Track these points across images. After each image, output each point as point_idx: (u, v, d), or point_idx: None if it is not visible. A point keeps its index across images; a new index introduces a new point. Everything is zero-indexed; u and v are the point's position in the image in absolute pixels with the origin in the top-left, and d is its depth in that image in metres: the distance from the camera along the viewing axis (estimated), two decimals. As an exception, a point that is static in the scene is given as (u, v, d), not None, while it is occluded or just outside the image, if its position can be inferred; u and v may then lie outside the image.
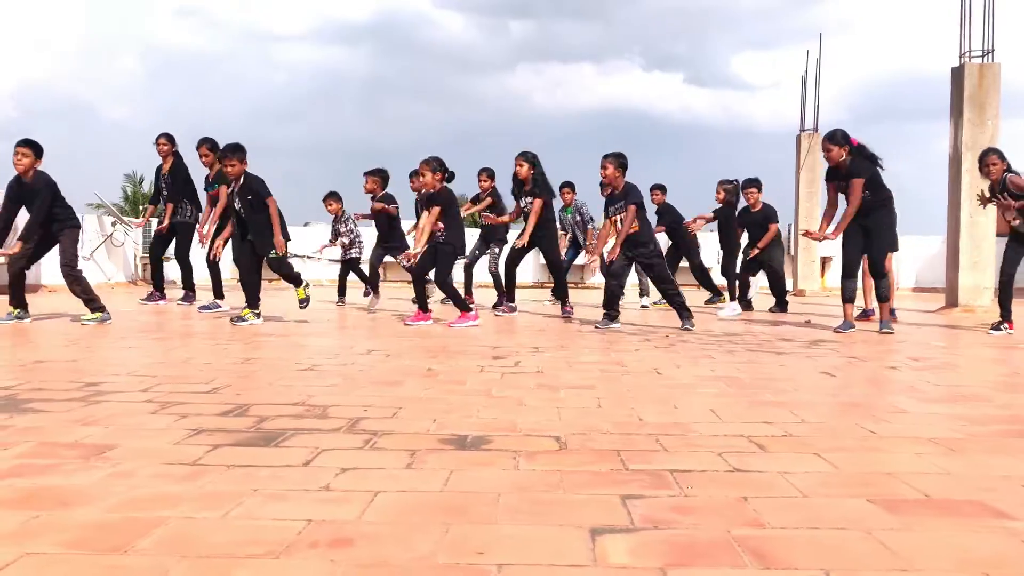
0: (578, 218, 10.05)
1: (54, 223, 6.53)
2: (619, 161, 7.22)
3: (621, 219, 6.79)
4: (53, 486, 1.99)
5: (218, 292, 8.45)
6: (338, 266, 9.85)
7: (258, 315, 6.82)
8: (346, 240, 9.45)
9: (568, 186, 9.96)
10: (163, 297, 9.38)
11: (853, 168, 6.63)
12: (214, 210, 8.37)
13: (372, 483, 2.05)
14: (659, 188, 10.03)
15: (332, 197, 9.61)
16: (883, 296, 6.90)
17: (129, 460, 2.23)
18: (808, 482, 2.10)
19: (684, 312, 6.82)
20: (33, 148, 6.47)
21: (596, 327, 6.83)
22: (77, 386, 3.43)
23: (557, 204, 8.91)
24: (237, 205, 6.73)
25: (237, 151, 6.70)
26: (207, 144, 8.53)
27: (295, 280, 6.85)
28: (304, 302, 6.86)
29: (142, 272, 16.21)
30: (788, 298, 9.65)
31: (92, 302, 6.59)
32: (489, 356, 4.67)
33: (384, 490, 1.98)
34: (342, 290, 9.67)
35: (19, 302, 6.62)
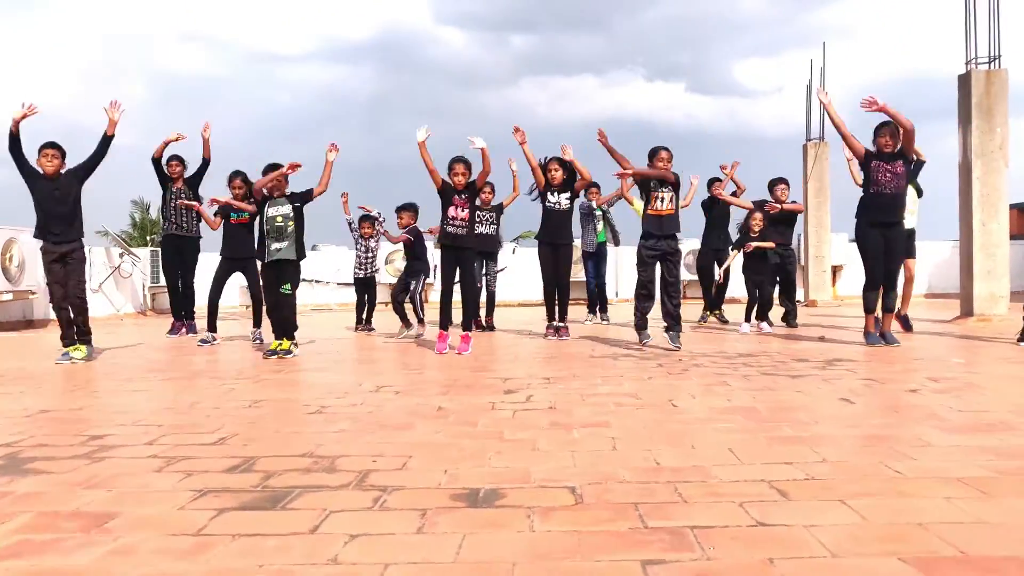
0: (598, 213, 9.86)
1: (69, 241, 6.54)
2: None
3: (665, 198, 6.87)
4: (51, 569, 1.92)
5: (212, 325, 8.39)
6: (349, 290, 9.88)
7: (296, 344, 6.74)
8: (361, 258, 9.50)
9: (596, 187, 9.78)
10: (184, 326, 9.26)
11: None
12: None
13: (382, 552, 1.97)
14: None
15: (366, 221, 9.56)
16: (892, 306, 6.80)
17: (131, 532, 2.16)
18: (836, 537, 2.01)
19: (676, 325, 6.81)
20: (61, 151, 6.59)
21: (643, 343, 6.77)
22: (81, 440, 3.37)
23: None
24: (275, 213, 6.56)
25: (278, 168, 6.67)
26: (240, 177, 8.46)
27: (289, 327, 6.70)
28: (275, 354, 6.53)
29: (151, 302, 16.23)
30: (799, 309, 9.54)
31: (86, 336, 6.66)
32: (501, 390, 4.59)
33: (395, 561, 1.91)
34: (366, 315, 9.66)
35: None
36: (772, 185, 9.09)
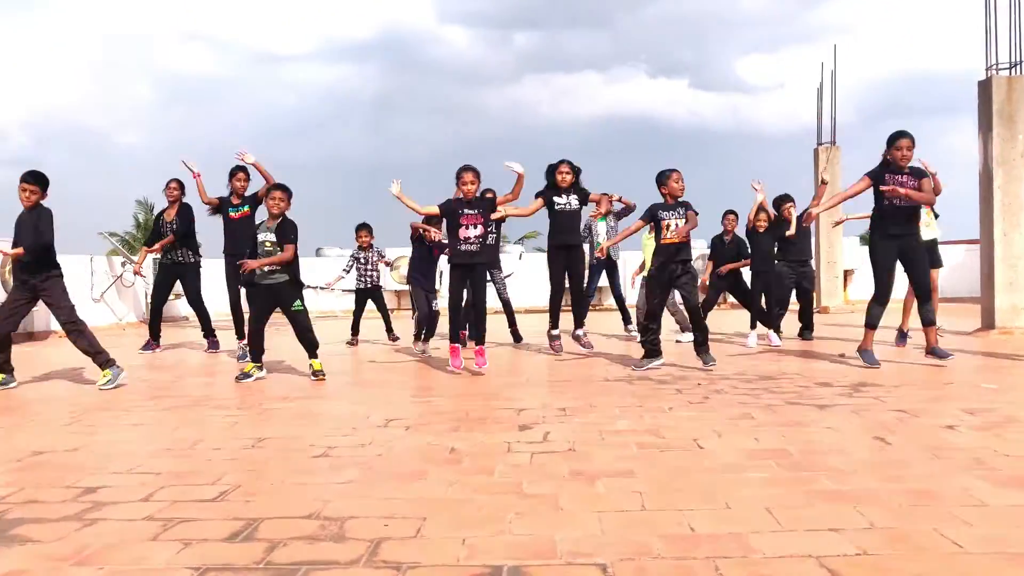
0: (612, 223, 9.63)
1: (39, 272, 6.19)
2: None
3: (672, 224, 6.60)
4: None
5: (240, 332, 8.25)
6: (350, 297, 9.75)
7: (261, 368, 6.58)
8: (361, 269, 9.33)
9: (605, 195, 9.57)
10: (158, 345, 9.22)
11: (921, 171, 6.46)
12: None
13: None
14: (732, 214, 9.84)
15: (364, 229, 9.43)
16: (932, 319, 6.58)
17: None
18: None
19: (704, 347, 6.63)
20: (40, 183, 6.19)
21: (633, 368, 6.55)
22: (75, 493, 3.17)
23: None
24: (263, 239, 6.45)
25: (287, 190, 6.56)
26: (244, 171, 8.48)
27: (312, 344, 6.57)
28: (247, 377, 6.41)
29: (146, 311, 16.04)
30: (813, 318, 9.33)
31: (99, 355, 6.29)
32: (515, 425, 4.38)
33: None
34: (385, 325, 9.56)
35: (2, 366, 6.33)
36: (779, 203, 8.80)
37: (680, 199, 6.68)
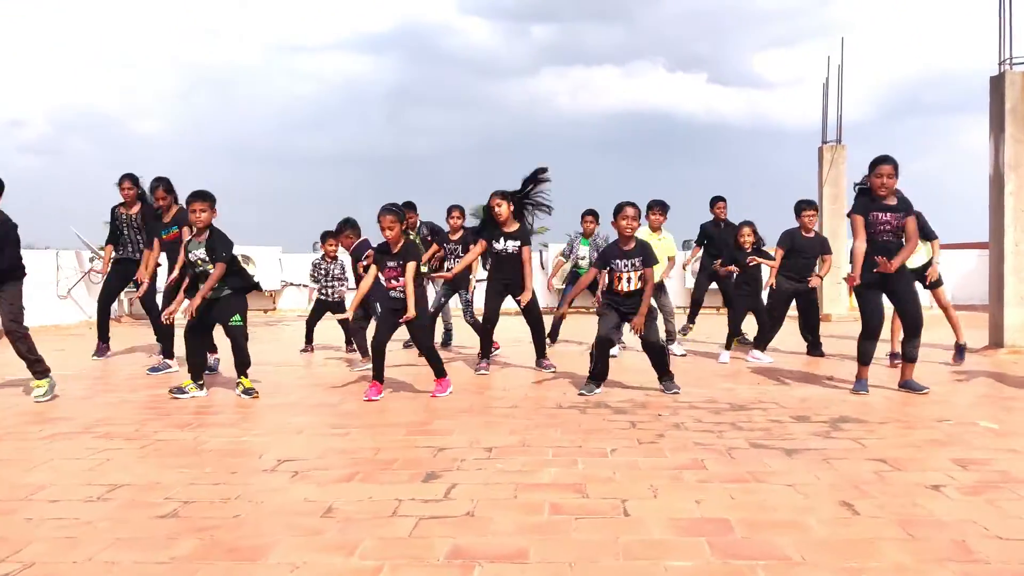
0: (595, 253, 9.01)
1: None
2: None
3: (631, 277, 5.89)
4: None
5: (168, 351, 7.61)
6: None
7: (201, 386, 5.98)
8: (323, 281, 8.57)
9: (592, 214, 8.91)
10: (108, 348, 8.67)
11: (908, 203, 5.76)
12: (178, 261, 7.62)
13: None
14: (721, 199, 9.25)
15: (331, 237, 8.56)
16: (913, 356, 5.90)
17: None
18: None
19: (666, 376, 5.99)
20: None
21: (581, 392, 5.91)
22: None
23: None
24: (195, 257, 5.87)
25: (208, 198, 5.93)
26: (163, 186, 7.78)
27: (243, 363, 5.97)
28: (182, 392, 5.90)
29: (129, 307, 15.50)
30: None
31: (37, 364, 5.81)
32: (422, 472, 3.73)
33: None
34: (345, 339, 8.86)
35: None
36: (800, 210, 7.99)
37: (636, 242, 5.96)
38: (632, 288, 5.89)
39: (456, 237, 8.32)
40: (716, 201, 9.37)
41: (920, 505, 3.21)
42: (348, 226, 7.44)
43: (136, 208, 8.31)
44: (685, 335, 9.12)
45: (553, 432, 4.62)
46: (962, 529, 2.91)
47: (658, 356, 5.98)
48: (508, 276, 7.01)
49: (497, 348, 8.10)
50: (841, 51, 14.15)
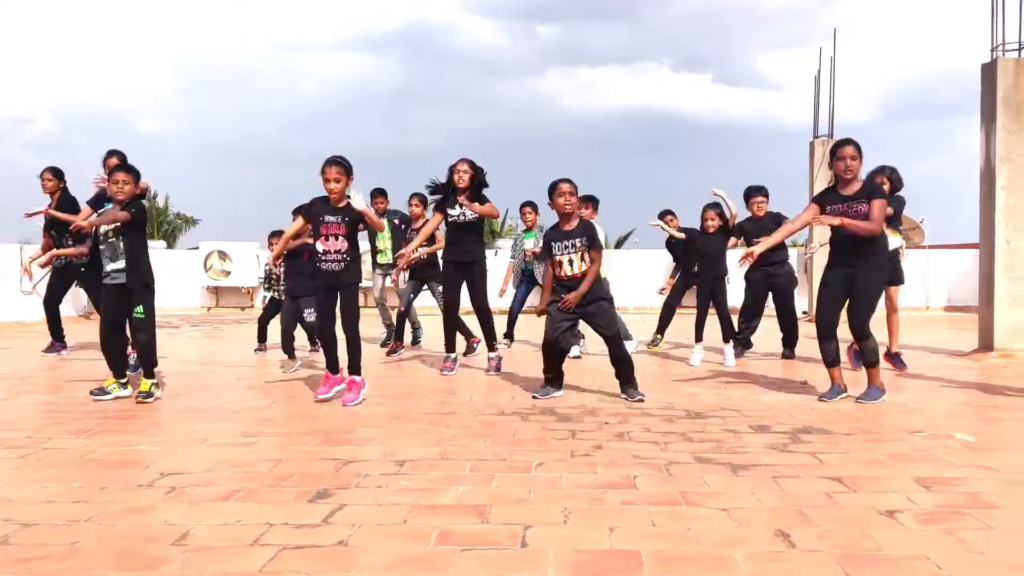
0: (538, 248, 8.62)
1: None
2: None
3: (573, 260, 5.42)
4: None
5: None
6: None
7: (125, 385, 5.57)
8: (275, 284, 8.08)
9: (530, 205, 8.58)
10: (64, 346, 8.32)
11: (874, 188, 5.29)
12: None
13: None
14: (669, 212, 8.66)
15: (276, 237, 8.18)
16: (871, 361, 5.44)
17: None
18: None
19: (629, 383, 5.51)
20: None
21: (534, 395, 5.48)
22: None
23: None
24: (106, 228, 5.44)
25: (131, 170, 5.53)
26: (50, 171, 7.77)
27: (148, 363, 5.54)
28: (104, 393, 5.51)
29: (91, 305, 15.08)
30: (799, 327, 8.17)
31: None
32: (314, 489, 3.30)
33: None
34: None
35: None
36: (749, 196, 7.66)
37: (579, 222, 5.53)
38: (576, 272, 5.43)
39: (418, 225, 7.88)
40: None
41: (868, 536, 2.77)
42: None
43: (56, 200, 7.85)
44: (656, 345, 8.65)
45: (481, 443, 4.18)
46: (911, 568, 2.47)
47: (617, 350, 5.51)
48: (465, 251, 6.57)
49: (477, 343, 7.68)
50: (833, 44, 13.69)
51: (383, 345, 8.56)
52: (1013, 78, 7.61)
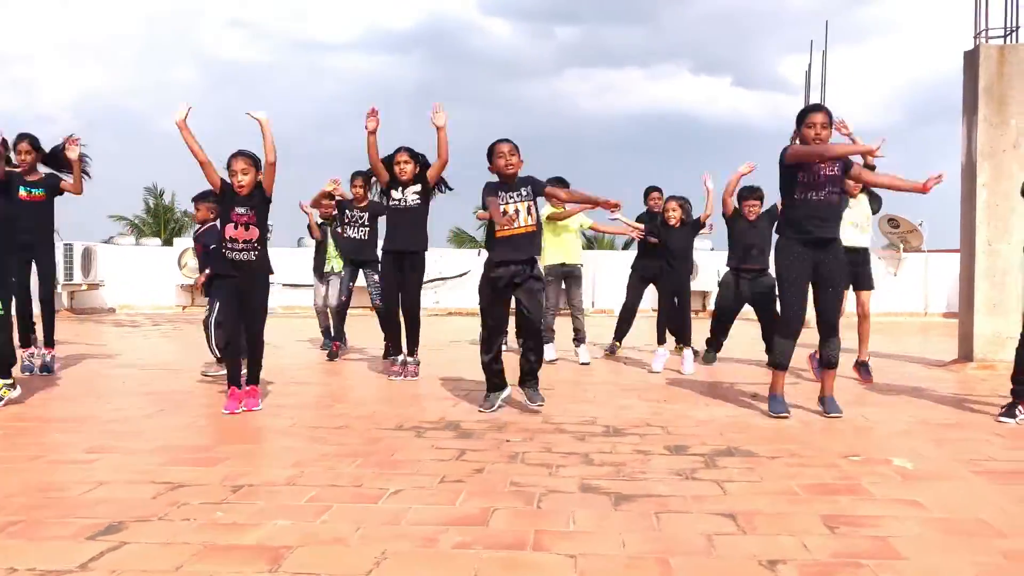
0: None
1: None
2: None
3: (519, 208, 4.93)
4: None
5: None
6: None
7: (12, 386, 5.13)
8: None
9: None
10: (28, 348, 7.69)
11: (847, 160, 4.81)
12: None
13: None
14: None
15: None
16: (833, 361, 4.92)
17: None
18: None
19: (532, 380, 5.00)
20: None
21: (480, 409, 4.96)
22: None
23: None
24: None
25: (32, 139, 5.60)
26: (28, 140, 6.61)
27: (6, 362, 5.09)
28: None
29: (69, 301, 14.72)
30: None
31: None
32: (103, 524, 2.80)
33: None
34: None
35: None
36: (741, 198, 7.01)
37: (520, 178, 5.04)
38: (524, 223, 4.90)
39: (363, 205, 7.40)
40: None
41: (732, 597, 2.25)
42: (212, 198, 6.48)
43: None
44: (613, 353, 8.09)
45: (348, 464, 3.68)
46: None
47: (534, 339, 5.00)
48: (405, 240, 6.07)
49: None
50: (825, 36, 13.11)
51: (323, 348, 8.13)
52: (997, 67, 7.03)
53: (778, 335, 4.97)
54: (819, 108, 4.77)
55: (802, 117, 4.73)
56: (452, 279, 14.97)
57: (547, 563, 2.49)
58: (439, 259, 14.57)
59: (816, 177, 4.68)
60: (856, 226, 6.22)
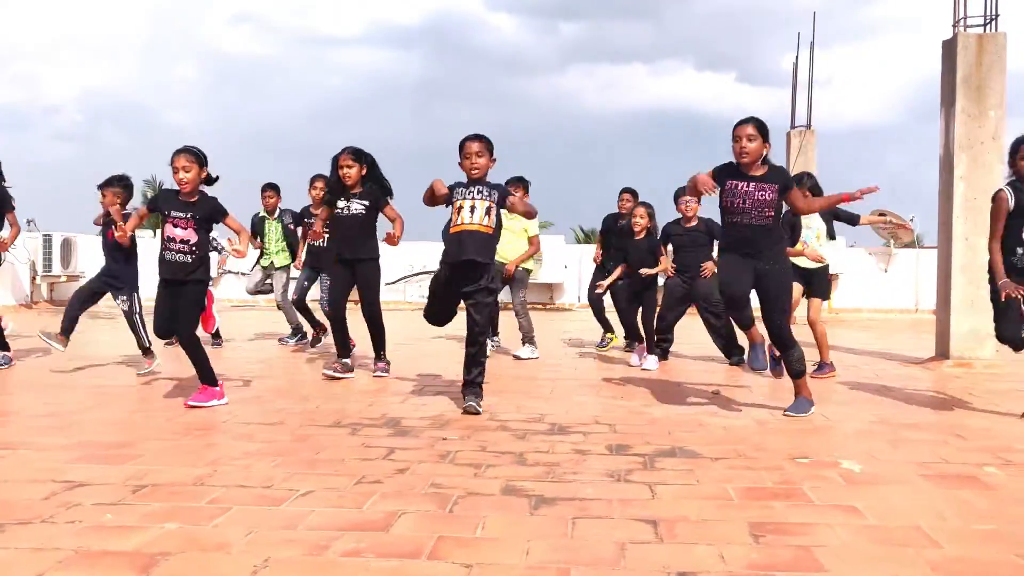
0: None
1: None
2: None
3: (475, 206, 4.75)
4: None
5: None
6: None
7: None
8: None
9: (271, 188, 8.19)
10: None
11: (788, 178, 4.63)
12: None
13: None
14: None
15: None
16: (798, 370, 4.74)
17: None
18: None
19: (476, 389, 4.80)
20: None
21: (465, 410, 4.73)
22: None
23: None
24: None
25: None
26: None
27: None
28: None
29: (48, 293, 14.57)
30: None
31: None
32: (-23, 527, 2.63)
33: None
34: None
35: None
36: (678, 195, 6.85)
37: (491, 182, 4.88)
38: (480, 222, 4.69)
39: (317, 210, 7.24)
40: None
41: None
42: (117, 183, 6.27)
43: None
44: (604, 346, 7.93)
45: (266, 463, 3.51)
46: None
47: (477, 350, 4.82)
48: (347, 247, 5.85)
49: (354, 346, 6.98)
50: (812, 29, 12.90)
51: (302, 340, 7.99)
52: (975, 56, 6.84)
53: (730, 315, 4.85)
54: (748, 120, 4.50)
55: (734, 129, 4.52)
56: (422, 275, 14.80)
57: (438, 573, 2.32)
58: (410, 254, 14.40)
59: (731, 199, 4.50)
60: (816, 238, 6.11)
